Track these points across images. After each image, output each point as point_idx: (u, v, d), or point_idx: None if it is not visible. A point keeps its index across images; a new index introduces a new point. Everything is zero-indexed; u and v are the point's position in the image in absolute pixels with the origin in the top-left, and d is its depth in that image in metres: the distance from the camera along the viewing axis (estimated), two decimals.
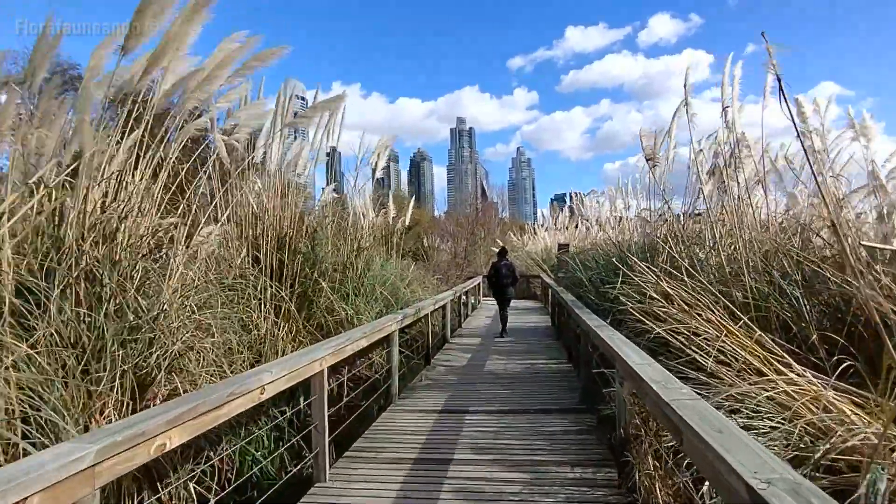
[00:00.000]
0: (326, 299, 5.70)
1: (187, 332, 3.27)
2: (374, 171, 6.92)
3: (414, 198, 14.63)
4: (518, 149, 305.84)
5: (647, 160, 4.80)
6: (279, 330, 5.27)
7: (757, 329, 3.09)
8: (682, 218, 5.09)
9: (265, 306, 5.35)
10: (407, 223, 10.49)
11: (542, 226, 23.52)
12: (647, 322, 3.36)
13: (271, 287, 5.41)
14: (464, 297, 11.14)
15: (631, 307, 3.36)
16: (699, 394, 2.32)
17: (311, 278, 5.68)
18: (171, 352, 3.15)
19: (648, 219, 5.85)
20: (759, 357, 3.00)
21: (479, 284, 14.72)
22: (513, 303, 13.83)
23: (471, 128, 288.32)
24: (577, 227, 17.93)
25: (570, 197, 20.72)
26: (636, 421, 2.51)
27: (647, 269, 3.42)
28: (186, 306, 3.39)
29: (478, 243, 23.38)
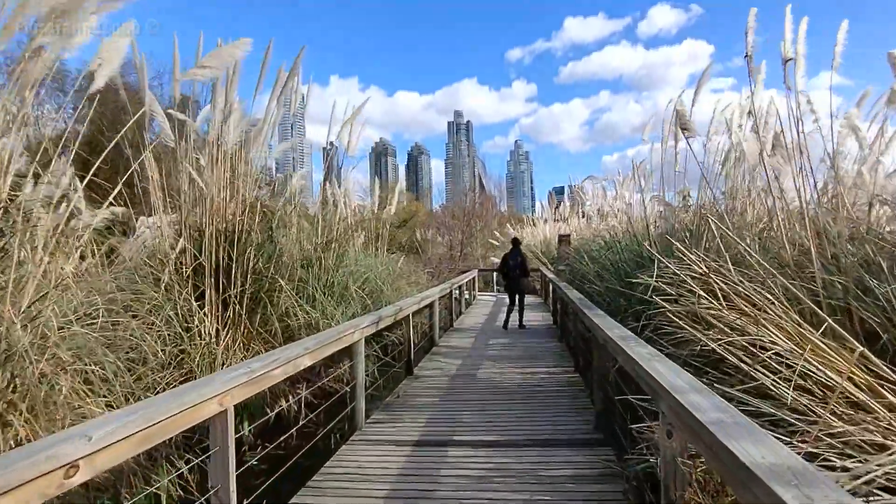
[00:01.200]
0: (287, 300, 4.78)
1: (49, 352, 2.35)
2: (346, 147, 5.95)
3: (403, 188, 13.69)
4: (516, 142, 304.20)
5: (682, 130, 3.87)
6: (224, 339, 4.36)
7: (855, 343, 2.18)
8: (716, 200, 4.17)
9: (210, 310, 4.44)
10: (393, 212, 9.57)
11: (541, 218, 22.53)
12: (689, 328, 2.45)
13: (215, 286, 4.49)
14: (456, 292, 10.22)
15: (669, 309, 2.44)
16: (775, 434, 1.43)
17: (266, 275, 4.75)
18: (23, 381, 2.24)
19: (671, 203, 4.93)
20: (862, 383, 2.11)
21: (474, 279, 13.82)
22: (506, 300, 12.91)
23: (468, 121, 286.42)
24: (578, 217, 17.00)
25: (570, 189, 19.68)
26: (697, 499, 1.60)
27: (693, 258, 2.49)
28: (44, 316, 2.45)
29: (474, 235, 22.42)
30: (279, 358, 2.37)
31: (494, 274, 18.01)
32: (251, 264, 4.62)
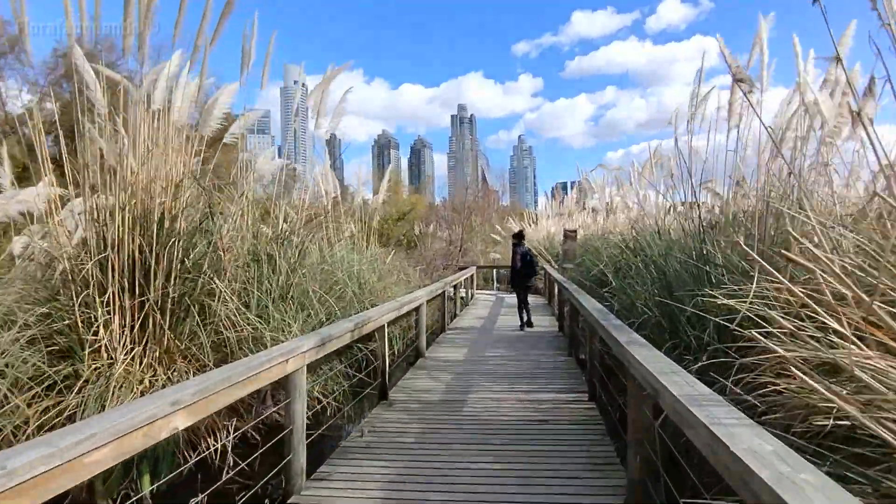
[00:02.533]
0: (226, 307, 3.77)
1: None
2: (316, 116, 4.91)
3: (397, 177, 12.69)
4: (520, 136, 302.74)
5: (736, 81, 2.81)
6: (134, 356, 3.35)
7: None
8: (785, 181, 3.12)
9: (119, 318, 3.43)
10: (381, 200, 8.57)
11: (543, 214, 21.36)
12: (823, 391, 1.42)
13: (129, 288, 3.47)
14: (451, 291, 9.22)
15: (784, 356, 1.41)
16: None
17: (199, 275, 3.73)
18: None
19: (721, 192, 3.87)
20: None
21: (472, 276, 12.80)
22: (507, 299, 12.02)
23: (472, 115, 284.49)
24: (584, 212, 15.95)
25: (578, 184, 18.57)
26: None
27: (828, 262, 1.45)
28: None
29: (474, 230, 21.36)
30: (102, 431, 1.35)
31: (496, 271, 17.02)
32: (178, 260, 3.60)
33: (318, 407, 4.07)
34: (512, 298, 12.01)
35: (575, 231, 12.31)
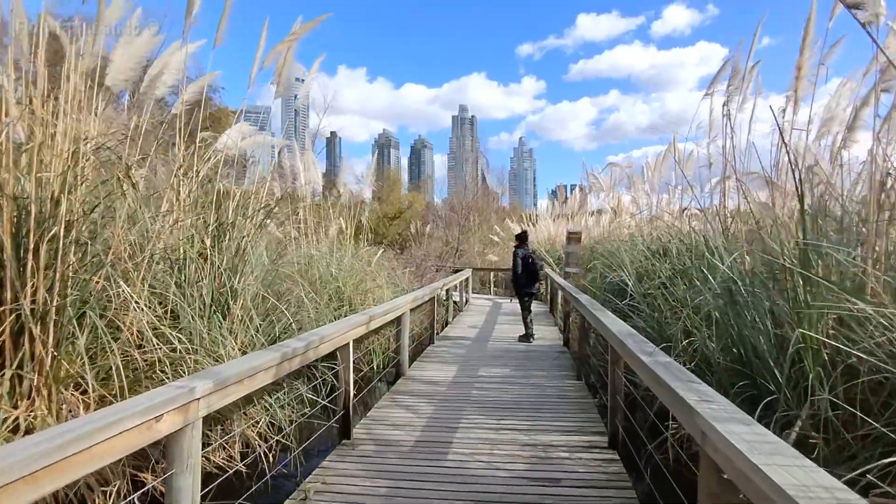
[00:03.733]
0: (138, 320, 2.87)
1: None
2: (278, 82, 4.01)
3: (378, 176, 11.78)
4: (521, 139, 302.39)
5: (849, 7, 1.93)
6: None
7: None
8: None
9: None
10: (369, 194, 7.68)
11: (547, 215, 20.42)
12: None
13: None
14: (443, 294, 8.33)
15: None
16: None
17: (97, 276, 2.83)
18: None
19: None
20: None
21: (468, 279, 11.91)
22: (504, 305, 11.12)
23: (473, 116, 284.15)
24: (588, 213, 15.10)
25: (576, 187, 17.69)
26: None
27: None
28: None
29: (471, 230, 20.44)
30: None
31: (493, 274, 16.15)
32: (65, 257, 2.69)
33: (261, 450, 3.16)
34: (510, 305, 11.14)
35: (579, 233, 11.42)
